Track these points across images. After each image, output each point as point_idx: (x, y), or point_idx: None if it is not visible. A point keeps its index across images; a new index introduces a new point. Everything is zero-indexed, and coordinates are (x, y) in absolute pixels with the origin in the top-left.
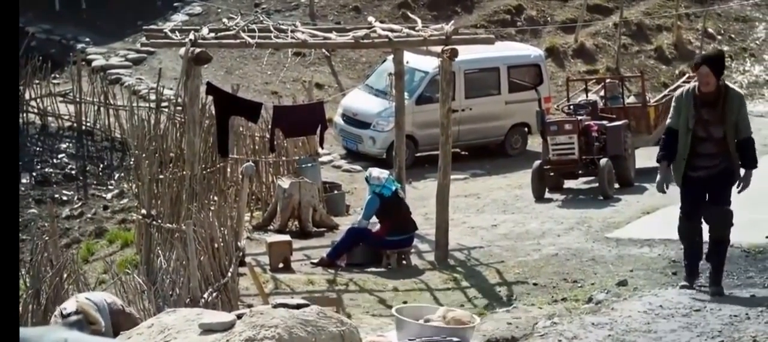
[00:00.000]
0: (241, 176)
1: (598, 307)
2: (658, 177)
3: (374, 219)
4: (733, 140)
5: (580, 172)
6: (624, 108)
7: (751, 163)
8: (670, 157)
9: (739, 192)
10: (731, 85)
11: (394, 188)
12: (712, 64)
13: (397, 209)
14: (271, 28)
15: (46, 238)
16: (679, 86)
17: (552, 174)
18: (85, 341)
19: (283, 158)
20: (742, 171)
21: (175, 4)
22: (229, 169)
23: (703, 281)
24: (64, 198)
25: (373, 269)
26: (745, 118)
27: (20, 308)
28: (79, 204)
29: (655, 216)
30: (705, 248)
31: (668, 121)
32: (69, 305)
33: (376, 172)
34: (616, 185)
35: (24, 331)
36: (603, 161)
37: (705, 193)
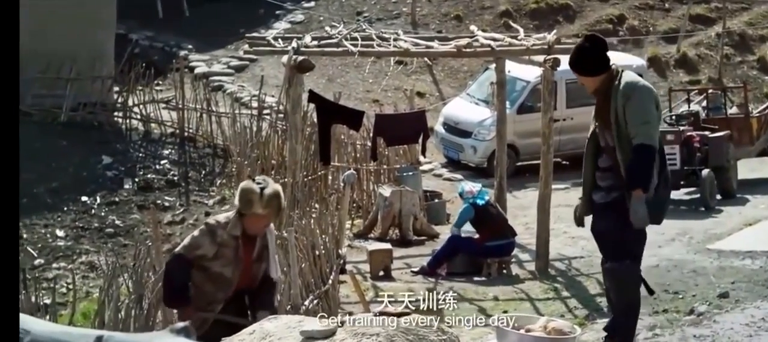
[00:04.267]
0: (342, 184)
1: (700, 319)
2: None
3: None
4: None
5: (681, 182)
6: (726, 119)
7: (634, 179)
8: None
9: (635, 227)
10: (627, 74)
11: (486, 198)
12: (575, 67)
13: (492, 216)
14: (374, 37)
15: (149, 243)
16: None
17: None
18: None
19: (384, 166)
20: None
21: (278, 12)
22: (330, 177)
23: None
24: (166, 204)
25: (474, 278)
26: (638, 116)
27: (122, 313)
28: (181, 210)
29: (757, 228)
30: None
31: None
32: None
33: (468, 186)
34: (718, 196)
35: (129, 337)
36: (705, 172)
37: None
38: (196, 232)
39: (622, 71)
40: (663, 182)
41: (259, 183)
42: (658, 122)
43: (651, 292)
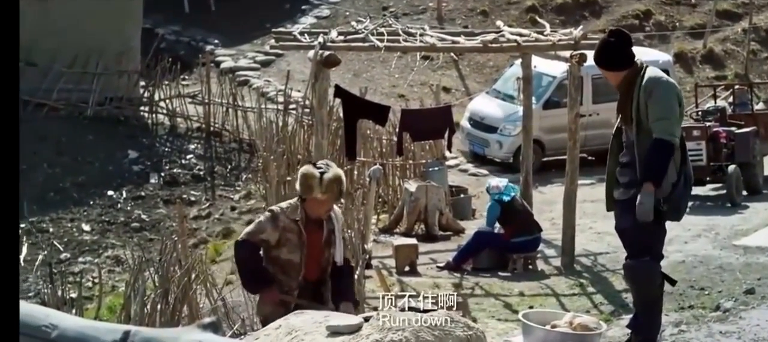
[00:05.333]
0: (368, 179)
1: (726, 316)
2: None
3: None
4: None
5: (707, 178)
6: (752, 115)
7: (646, 172)
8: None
9: (638, 220)
10: (651, 70)
11: (513, 194)
12: (600, 62)
13: (518, 212)
14: (400, 32)
15: (175, 238)
16: None
17: None
18: None
19: (410, 162)
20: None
21: (303, 7)
22: (356, 172)
23: None
24: (192, 198)
25: (499, 274)
26: (658, 112)
27: (148, 307)
28: (207, 205)
29: None
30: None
31: None
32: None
33: (494, 181)
34: (744, 192)
35: (156, 332)
36: (731, 168)
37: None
38: (259, 218)
39: (647, 67)
40: (683, 179)
41: (319, 167)
42: (679, 119)
43: (673, 282)
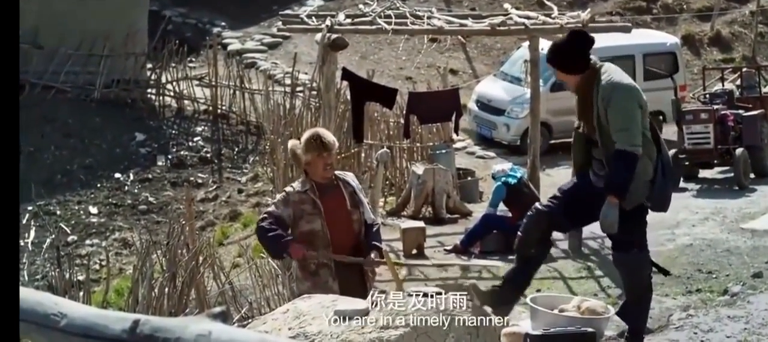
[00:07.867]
0: (375, 162)
1: (734, 300)
2: None
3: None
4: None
5: (715, 161)
6: (760, 98)
7: (609, 185)
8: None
9: (603, 230)
10: (607, 72)
11: (519, 175)
12: (553, 62)
13: (524, 194)
14: (407, 15)
15: (182, 221)
16: None
17: (687, 163)
18: (230, 334)
19: (418, 144)
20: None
21: None
22: (363, 155)
23: None
24: (199, 181)
25: (507, 257)
26: (619, 123)
27: (156, 290)
28: (214, 187)
29: None
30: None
31: None
32: None
33: (498, 166)
34: (752, 175)
35: (165, 321)
36: (739, 151)
37: (591, 208)
38: (275, 198)
39: (601, 68)
40: (661, 170)
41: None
42: (640, 123)
43: (666, 273)
